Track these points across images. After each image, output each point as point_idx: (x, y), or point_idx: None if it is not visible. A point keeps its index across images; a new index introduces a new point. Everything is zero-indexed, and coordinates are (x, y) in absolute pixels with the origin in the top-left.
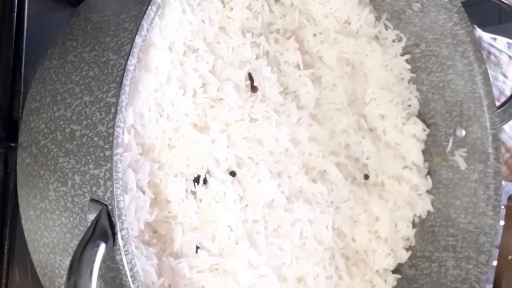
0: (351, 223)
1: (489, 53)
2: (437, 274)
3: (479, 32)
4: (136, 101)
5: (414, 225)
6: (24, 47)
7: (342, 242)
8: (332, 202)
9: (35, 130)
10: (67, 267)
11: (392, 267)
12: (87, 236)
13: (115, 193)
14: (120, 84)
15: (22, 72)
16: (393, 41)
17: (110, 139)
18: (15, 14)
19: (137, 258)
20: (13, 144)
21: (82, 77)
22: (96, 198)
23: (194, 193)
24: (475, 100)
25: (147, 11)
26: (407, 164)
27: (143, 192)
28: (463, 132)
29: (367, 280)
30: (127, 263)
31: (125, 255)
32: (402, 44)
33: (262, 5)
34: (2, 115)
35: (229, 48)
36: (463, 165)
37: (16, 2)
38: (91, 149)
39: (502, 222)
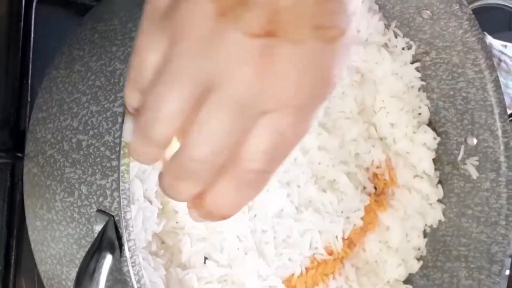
0: (361, 233)
1: (500, 60)
2: (449, 285)
3: (489, 39)
4: None
5: (425, 234)
6: (31, 56)
7: (352, 252)
8: (342, 212)
9: (41, 140)
10: (74, 278)
11: (403, 278)
12: (94, 247)
13: (122, 204)
14: None
15: (29, 81)
16: (403, 48)
17: (117, 149)
18: (22, 23)
19: (145, 269)
20: (19, 154)
21: (88, 87)
22: (103, 209)
23: None
24: (486, 108)
25: None
26: (417, 173)
27: (151, 202)
28: (475, 141)
29: None
30: (134, 274)
31: (132, 266)
32: (412, 52)
33: None
34: (9, 125)
35: None
36: (474, 174)
37: (23, 12)
38: (98, 159)
39: None
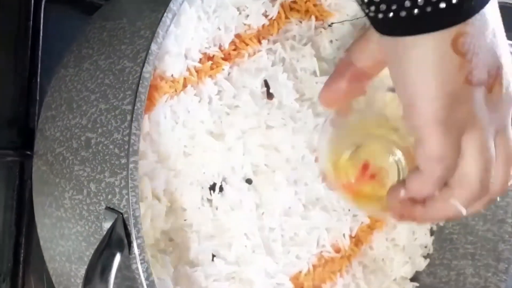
0: (369, 231)
1: None
2: (455, 282)
3: None
4: (152, 108)
5: (432, 232)
6: (39, 55)
7: (359, 250)
8: (349, 210)
9: (50, 138)
10: (83, 276)
11: (410, 275)
12: (103, 244)
13: (130, 201)
14: (135, 92)
15: (38, 80)
16: None
17: (126, 146)
18: (31, 22)
19: (153, 267)
20: (29, 152)
21: (97, 85)
22: (112, 206)
23: (210, 201)
24: None
25: (163, 19)
26: None
27: (159, 200)
28: None
29: None
30: (143, 272)
31: (141, 263)
32: None
33: (278, 12)
34: (18, 123)
35: (244, 55)
36: None
37: (32, 11)
38: (107, 157)
39: None
